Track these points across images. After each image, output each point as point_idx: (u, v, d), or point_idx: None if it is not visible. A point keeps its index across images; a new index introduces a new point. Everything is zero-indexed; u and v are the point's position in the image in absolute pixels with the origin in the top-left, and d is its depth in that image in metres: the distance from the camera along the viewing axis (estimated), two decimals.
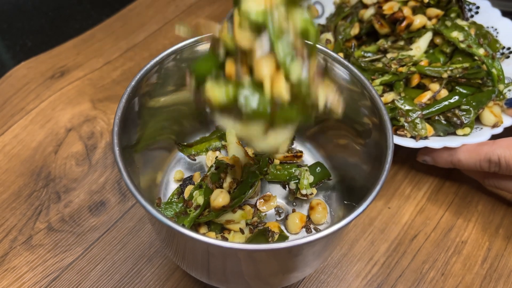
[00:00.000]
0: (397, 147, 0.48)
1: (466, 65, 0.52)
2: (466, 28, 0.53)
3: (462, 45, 0.53)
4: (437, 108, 0.51)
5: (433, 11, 0.57)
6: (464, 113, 0.50)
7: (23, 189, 0.54)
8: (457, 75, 0.51)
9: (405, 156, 0.57)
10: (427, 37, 0.56)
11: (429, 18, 0.58)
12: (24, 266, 0.48)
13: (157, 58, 0.39)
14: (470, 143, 0.49)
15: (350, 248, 0.51)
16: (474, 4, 0.60)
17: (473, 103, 0.51)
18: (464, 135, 0.51)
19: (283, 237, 0.42)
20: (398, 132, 0.52)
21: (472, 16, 0.60)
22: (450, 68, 0.52)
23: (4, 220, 0.51)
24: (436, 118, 0.51)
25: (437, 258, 0.51)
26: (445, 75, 0.51)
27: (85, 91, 0.63)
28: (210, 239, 0.30)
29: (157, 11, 0.73)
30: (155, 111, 0.43)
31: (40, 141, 0.58)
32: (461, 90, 0.52)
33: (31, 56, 0.66)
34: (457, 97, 0.51)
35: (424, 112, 0.51)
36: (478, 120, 0.52)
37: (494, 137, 0.50)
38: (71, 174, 0.55)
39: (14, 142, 0.57)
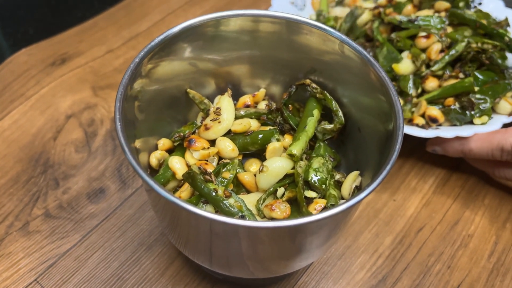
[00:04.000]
0: (403, 138, 0.47)
1: (497, 43, 0.51)
2: (475, 17, 0.53)
3: (489, 27, 0.52)
4: (446, 88, 0.50)
5: (442, 5, 0.56)
6: (481, 101, 0.49)
7: (21, 175, 0.53)
8: (486, 52, 0.50)
9: (411, 149, 0.56)
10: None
11: (437, 11, 0.57)
12: (20, 252, 0.47)
13: (161, 37, 0.38)
14: (482, 132, 0.48)
15: (355, 240, 0.50)
16: None
17: (489, 93, 0.50)
18: (482, 123, 0.50)
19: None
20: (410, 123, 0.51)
21: (475, 7, 0.60)
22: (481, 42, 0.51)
23: (0, 205, 0.50)
24: (452, 107, 0.50)
25: (443, 251, 0.50)
26: (474, 45, 0.51)
27: (86, 79, 0.62)
28: (213, 215, 0.29)
29: (161, 2, 0.72)
30: (155, 94, 0.42)
31: (39, 127, 0.57)
32: (478, 75, 0.51)
33: (32, 43, 0.65)
34: (471, 81, 0.50)
35: (432, 94, 0.50)
36: (492, 109, 0.51)
37: (505, 126, 0.49)
38: (70, 161, 0.54)
39: (13, 127, 0.56)
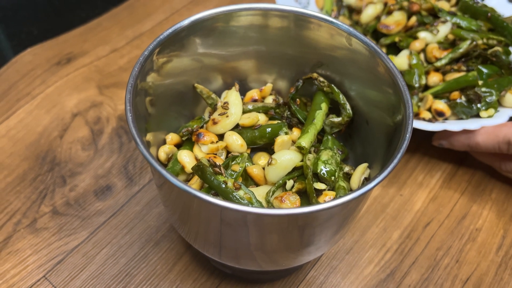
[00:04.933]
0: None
1: (502, 38, 0.51)
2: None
3: (500, 19, 0.52)
4: (450, 83, 0.51)
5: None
6: (487, 94, 0.49)
7: (28, 173, 0.53)
8: (491, 48, 0.50)
9: (417, 143, 0.56)
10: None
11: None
12: (27, 249, 0.47)
13: (171, 30, 0.38)
14: (489, 125, 0.48)
15: (362, 235, 0.50)
16: None
17: (495, 86, 0.50)
18: (489, 116, 0.50)
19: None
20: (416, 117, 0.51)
21: (477, 3, 0.60)
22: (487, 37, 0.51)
23: (8, 203, 0.50)
24: (458, 100, 0.50)
25: (451, 245, 0.50)
26: (480, 42, 0.51)
27: (91, 78, 0.62)
28: (225, 202, 0.29)
29: (164, 1, 0.73)
30: (163, 89, 0.42)
31: (45, 126, 0.57)
32: (482, 68, 0.51)
33: (36, 44, 0.66)
34: (474, 75, 0.50)
35: (437, 89, 0.50)
36: (498, 102, 0.52)
37: (511, 119, 0.50)
38: (77, 159, 0.54)
39: (19, 126, 0.56)
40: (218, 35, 0.43)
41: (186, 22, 0.39)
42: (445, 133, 0.51)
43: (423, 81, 0.52)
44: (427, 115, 0.51)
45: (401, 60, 0.54)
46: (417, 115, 0.52)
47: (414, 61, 0.52)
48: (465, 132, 0.50)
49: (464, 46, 0.52)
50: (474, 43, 0.51)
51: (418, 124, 0.49)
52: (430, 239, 0.50)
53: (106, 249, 0.48)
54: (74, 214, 0.50)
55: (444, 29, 0.54)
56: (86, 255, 0.47)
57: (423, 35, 0.54)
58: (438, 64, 0.53)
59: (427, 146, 0.56)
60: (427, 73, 0.53)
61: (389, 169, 0.31)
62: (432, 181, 0.54)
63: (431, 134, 0.54)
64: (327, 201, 0.36)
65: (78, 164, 0.54)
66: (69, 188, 0.52)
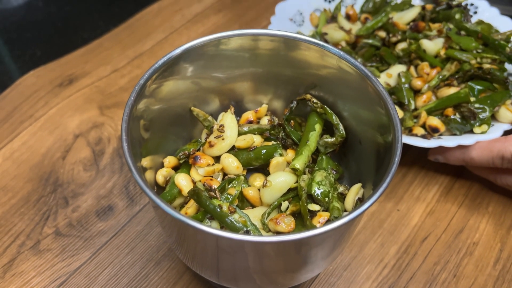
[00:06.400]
0: (406, 148, 0.47)
1: (496, 56, 0.52)
2: (478, 28, 0.54)
3: (491, 38, 0.53)
4: (442, 100, 0.51)
5: (434, 26, 0.57)
6: (480, 110, 0.50)
7: (32, 195, 0.54)
8: (485, 67, 0.51)
9: (413, 158, 0.57)
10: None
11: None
12: (31, 270, 0.48)
13: (164, 59, 0.39)
14: (483, 140, 0.49)
15: (360, 251, 0.50)
16: (472, 4, 0.61)
17: (488, 102, 0.50)
18: (482, 132, 0.50)
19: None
20: (411, 132, 0.52)
21: (471, 16, 0.61)
22: (480, 57, 0.52)
23: (12, 225, 0.51)
24: (452, 117, 0.51)
25: (448, 259, 0.50)
26: (473, 61, 0.51)
27: (93, 98, 0.63)
28: (219, 231, 0.30)
29: (164, 20, 0.74)
30: (160, 113, 0.43)
31: (48, 147, 0.58)
32: (473, 85, 0.51)
33: (40, 65, 0.67)
34: (466, 92, 0.51)
35: (429, 106, 0.51)
36: (493, 117, 0.52)
37: (506, 133, 0.50)
38: (79, 179, 0.55)
39: (23, 148, 0.58)
40: (213, 59, 0.44)
41: (178, 50, 0.40)
42: (441, 149, 0.52)
43: (412, 106, 0.53)
44: (420, 131, 0.52)
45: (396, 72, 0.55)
46: (410, 131, 0.52)
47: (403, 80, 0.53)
48: (460, 147, 0.50)
49: (451, 68, 0.53)
50: (459, 64, 0.52)
51: (414, 141, 0.50)
52: (427, 254, 0.50)
53: (108, 269, 0.49)
54: (77, 235, 0.51)
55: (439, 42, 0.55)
56: (89, 275, 0.48)
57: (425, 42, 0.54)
58: (433, 83, 0.53)
59: (423, 161, 0.56)
60: (418, 92, 0.54)
61: (378, 193, 0.32)
62: (429, 195, 0.55)
63: (427, 149, 0.54)
64: (321, 224, 0.37)
65: (80, 185, 0.55)
66: (72, 209, 0.53)
